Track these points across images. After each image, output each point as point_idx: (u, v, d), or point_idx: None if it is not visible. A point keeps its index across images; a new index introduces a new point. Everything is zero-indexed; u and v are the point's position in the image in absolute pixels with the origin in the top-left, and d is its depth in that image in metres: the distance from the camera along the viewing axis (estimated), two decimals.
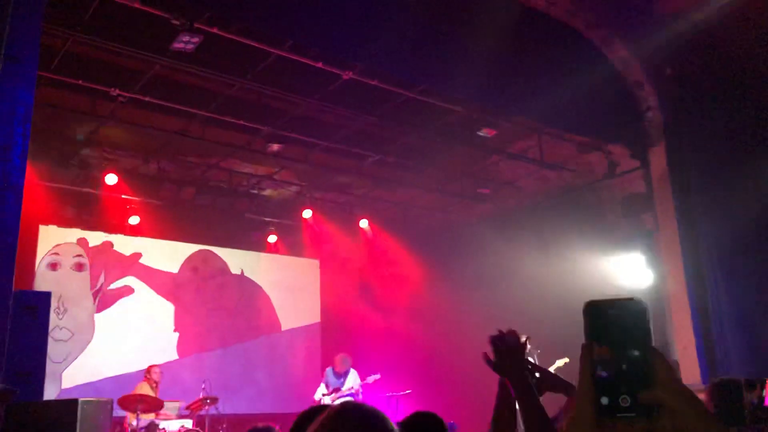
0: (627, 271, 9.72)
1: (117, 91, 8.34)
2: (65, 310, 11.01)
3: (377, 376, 10.02)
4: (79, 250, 11.41)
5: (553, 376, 2.19)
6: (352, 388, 9.83)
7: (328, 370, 10.21)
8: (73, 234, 11.36)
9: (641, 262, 9.63)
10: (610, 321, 0.90)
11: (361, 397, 9.93)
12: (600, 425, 0.89)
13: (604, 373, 0.89)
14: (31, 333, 5.44)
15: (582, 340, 0.94)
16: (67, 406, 5.13)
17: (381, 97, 9.11)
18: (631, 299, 0.91)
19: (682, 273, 9.10)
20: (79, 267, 11.36)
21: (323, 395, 9.81)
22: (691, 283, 9.03)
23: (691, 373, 8.82)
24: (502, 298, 10.94)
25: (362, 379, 10.12)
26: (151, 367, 9.76)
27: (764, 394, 2.92)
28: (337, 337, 13.03)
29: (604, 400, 0.88)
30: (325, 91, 8.78)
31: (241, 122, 9.36)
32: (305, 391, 11.86)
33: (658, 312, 9.49)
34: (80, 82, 8.14)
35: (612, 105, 9.46)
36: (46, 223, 11.03)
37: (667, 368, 0.88)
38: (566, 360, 8.60)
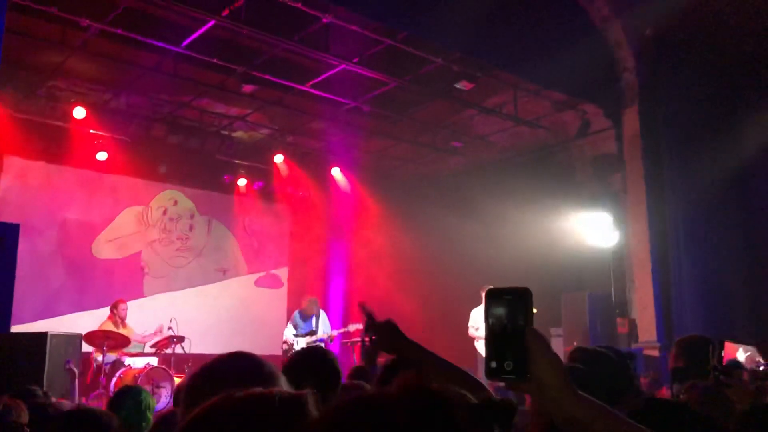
0: (594, 230, 9.88)
1: (88, 22, 8.07)
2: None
3: (359, 326, 10.09)
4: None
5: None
6: (326, 334, 9.93)
7: (296, 313, 10.26)
8: (39, 166, 11.12)
9: (608, 221, 9.78)
10: (504, 303, 1.10)
11: (331, 342, 10.09)
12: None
13: (495, 343, 1.09)
14: None
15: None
16: (36, 339, 5.09)
17: (360, 42, 8.97)
18: (523, 288, 1.10)
19: (647, 235, 9.29)
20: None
21: (295, 336, 9.86)
22: (654, 245, 9.24)
23: (648, 331, 9.11)
24: (470, 249, 11.09)
25: (338, 327, 10.25)
26: (117, 301, 9.58)
27: (722, 354, 3.25)
28: (304, 284, 13.10)
29: (493, 364, 1.08)
30: (304, 33, 8.61)
31: (215, 61, 9.15)
32: (270, 334, 11.96)
33: (622, 271, 9.72)
34: (49, 9, 7.84)
35: (590, 63, 9.45)
36: (11, 153, 10.76)
37: (542, 343, 1.06)
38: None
